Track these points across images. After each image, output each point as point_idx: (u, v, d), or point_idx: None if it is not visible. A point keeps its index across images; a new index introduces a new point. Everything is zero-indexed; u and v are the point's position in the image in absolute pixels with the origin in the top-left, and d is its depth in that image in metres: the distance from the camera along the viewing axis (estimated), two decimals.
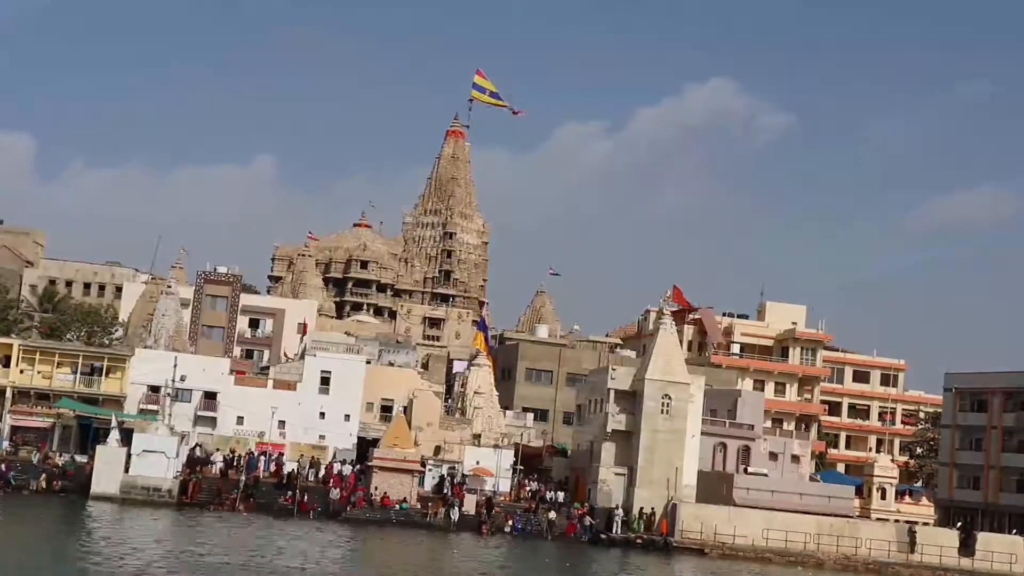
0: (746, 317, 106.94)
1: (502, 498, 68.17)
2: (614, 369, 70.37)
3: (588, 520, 64.30)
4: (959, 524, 72.68)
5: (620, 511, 64.68)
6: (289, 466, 67.66)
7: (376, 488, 64.09)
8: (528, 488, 70.08)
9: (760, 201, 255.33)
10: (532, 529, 63.58)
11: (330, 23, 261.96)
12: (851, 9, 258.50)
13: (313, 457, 70.23)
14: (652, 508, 65.33)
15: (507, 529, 63.17)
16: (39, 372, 71.31)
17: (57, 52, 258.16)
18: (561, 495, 68.76)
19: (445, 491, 66.43)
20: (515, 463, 71.86)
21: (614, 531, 63.63)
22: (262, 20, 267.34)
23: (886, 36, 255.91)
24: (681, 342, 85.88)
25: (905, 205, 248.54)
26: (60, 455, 66.57)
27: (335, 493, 63.27)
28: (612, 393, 68.25)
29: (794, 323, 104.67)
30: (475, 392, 79.54)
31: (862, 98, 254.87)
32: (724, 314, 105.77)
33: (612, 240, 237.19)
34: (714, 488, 67.85)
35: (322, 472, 67.96)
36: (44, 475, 62.44)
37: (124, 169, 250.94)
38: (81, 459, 65.23)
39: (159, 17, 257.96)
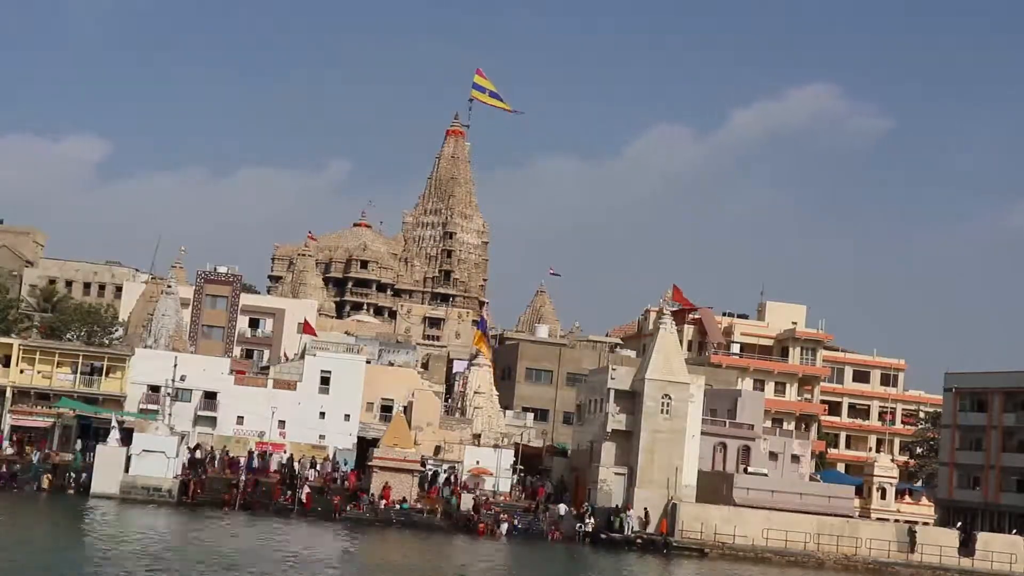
0: (746, 317, 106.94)
1: (502, 498, 68.17)
2: (614, 369, 70.34)
3: (567, 518, 64.18)
4: (959, 524, 72.68)
5: (632, 512, 64.42)
6: (276, 465, 67.80)
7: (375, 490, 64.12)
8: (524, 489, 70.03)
9: (828, 206, 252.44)
10: (532, 529, 63.57)
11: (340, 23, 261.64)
12: (952, 16, 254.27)
13: (312, 457, 70.28)
14: (646, 508, 65.18)
15: (507, 529, 63.10)
16: (39, 372, 71.30)
17: (129, 57, 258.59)
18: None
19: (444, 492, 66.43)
20: (515, 463, 71.88)
21: (627, 531, 63.49)
22: (263, 21, 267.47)
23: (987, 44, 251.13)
24: (681, 342, 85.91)
25: (992, 210, 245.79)
26: (69, 456, 66.42)
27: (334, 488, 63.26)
28: (612, 393, 68.20)
29: (794, 323, 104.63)
30: (475, 392, 79.53)
31: (955, 104, 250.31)
32: (724, 314, 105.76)
33: (656, 242, 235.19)
34: (714, 488, 67.80)
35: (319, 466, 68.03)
36: (45, 474, 62.55)
37: (184, 173, 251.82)
38: (68, 457, 65.16)
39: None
